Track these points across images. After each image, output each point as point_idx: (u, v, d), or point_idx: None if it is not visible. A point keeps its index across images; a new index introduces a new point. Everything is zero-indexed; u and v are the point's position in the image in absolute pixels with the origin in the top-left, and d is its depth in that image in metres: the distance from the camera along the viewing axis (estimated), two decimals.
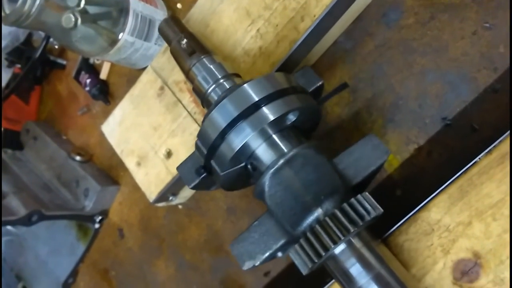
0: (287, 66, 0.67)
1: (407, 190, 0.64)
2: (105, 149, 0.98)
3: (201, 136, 0.51)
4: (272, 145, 0.51)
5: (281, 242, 0.52)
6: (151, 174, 0.76)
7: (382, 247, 0.55)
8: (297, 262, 0.49)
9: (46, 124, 1.09)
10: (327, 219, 0.47)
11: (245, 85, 0.49)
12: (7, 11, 0.68)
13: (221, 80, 0.58)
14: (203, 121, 0.52)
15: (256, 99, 0.48)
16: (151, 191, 0.76)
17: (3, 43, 1.07)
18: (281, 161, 0.49)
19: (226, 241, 0.81)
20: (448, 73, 0.62)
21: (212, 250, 0.82)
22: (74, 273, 1.02)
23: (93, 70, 0.98)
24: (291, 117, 0.52)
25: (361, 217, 0.47)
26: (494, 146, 0.51)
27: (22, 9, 0.65)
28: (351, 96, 0.68)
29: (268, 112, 0.48)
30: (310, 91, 0.57)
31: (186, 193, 0.82)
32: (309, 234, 0.47)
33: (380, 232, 0.57)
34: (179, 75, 0.74)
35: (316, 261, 0.47)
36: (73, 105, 1.05)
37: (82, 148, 1.01)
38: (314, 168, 0.50)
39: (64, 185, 0.95)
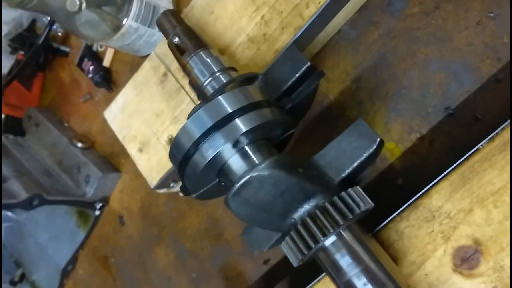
0: None
1: (409, 179, 0.64)
2: (107, 137, 0.98)
3: (175, 145, 0.51)
4: (244, 156, 0.51)
5: (279, 234, 0.53)
6: (152, 160, 0.76)
7: (372, 241, 0.55)
8: (288, 254, 0.50)
9: (48, 111, 1.09)
10: (317, 212, 0.48)
11: (219, 97, 0.49)
12: None
13: (218, 74, 0.58)
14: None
15: (230, 111, 0.48)
16: (153, 177, 0.76)
17: (7, 29, 1.07)
18: (237, 186, 0.48)
19: (226, 229, 0.81)
20: (451, 63, 0.62)
21: (212, 238, 0.82)
22: (73, 260, 1.02)
23: (96, 57, 0.98)
24: (262, 130, 0.51)
25: (351, 210, 0.48)
26: (496, 133, 0.51)
27: None
28: (354, 85, 0.68)
29: (241, 124, 0.48)
30: (297, 77, 0.55)
31: None
32: (299, 227, 0.48)
33: (374, 224, 0.57)
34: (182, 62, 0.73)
35: (306, 253, 0.47)
36: (76, 93, 1.05)
37: (84, 135, 1.02)
38: (273, 185, 0.49)
39: (65, 172, 0.95)
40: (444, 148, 0.62)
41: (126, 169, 0.95)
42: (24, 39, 1.08)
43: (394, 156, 0.65)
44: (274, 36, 0.65)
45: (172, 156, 0.52)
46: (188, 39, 0.62)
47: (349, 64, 0.69)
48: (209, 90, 0.58)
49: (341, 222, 0.47)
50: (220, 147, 0.48)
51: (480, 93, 0.60)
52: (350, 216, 0.47)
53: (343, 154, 0.51)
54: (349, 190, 0.50)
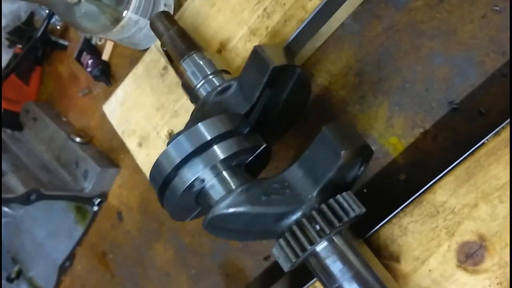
0: (293, 46, 0.66)
1: (412, 174, 0.63)
2: (106, 131, 0.97)
3: (155, 169, 0.52)
4: (222, 181, 0.51)
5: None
6: (152, 155, 0.76)
7: (363, 247, 0.56)
8: (279, 260, 0.50)
9: (46, 105, 1.08)
10: (304, 220, 0.48)
11: (199, 124, 0.50)
12: None
13: (210, 76, 0.58)
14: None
15: (209, 138, 0.49)
16: None
17: (4, 22, 1.06)
18: (207, 220, 0.49)
19: None
20: (456, 57, 0.61)
21: None
22: (71, 256, 1.01)
23: (95, 51, 0.97)
24: (238, 156, 0.51)
25: (339, 218, 0.48)
26: (502, 128, 0.50)
27: None
28: (357, 79, 0.68)
29: (219, 151, 0.49)
30: (264, 83, 0.52)
31: None
32: (287, 234, 0.48)
33: (375, 221, 0.57)
34: None
35: (293, 260, 0.48)
36: (74, 87, 1.04)
37: (82, 130, 1.01)
38: (239, 218, 0.49)
39: (63, 166, 0.94)
40: (447, 143, 0.61)
41: (125, 164, 0.94)
42: (22, 32, 1.07)
43: (397, 151, 0.64)
44: (277, 28, 0.64)
45: (152, 178, 0.53)
46: (181, 41, 0.62)
47: (352, 58, 0.68)
48: (202, 92, 0.58)
49: (327, 231, 0.47)
50: (199, 173, 0.49)
51: (485, 88, 0.59)
52: (337, 224, 0.48)
53: (315, 167, 0.50)
54: (338, 196, 0.50)
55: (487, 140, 0.51)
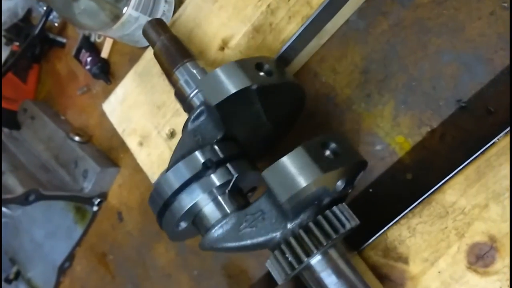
0: (298, 44, 0.65)
1: (418, 174, 0.62)
2: (105, 130, 0.96)
3: (155, 193, 0.53)
4: (217, 205, 0.52)
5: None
6: (153, 154, 0.74)
7: (357, 259, 0.55)
8: (273, 272, 0.51)
9: (44, 103, 1.06)
10: (301, 232, 0.48)
11: (196, 152, 0.51)
12: None
13: None
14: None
15: (176, 187, 0.50)
16: (153, 171, 0.74)
17: (1, 19, 1.04)
18: (200, 245, 0.53)
19: None
20: (464, 54, 0.60)
21: None
22: (70, 257, 0.99)
23: (94, 49, 0.96)
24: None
25: (335, 230, 0.48)
26: None
27: None
28: (362, 77, 0.66)
29: (215, 178, 0.51)
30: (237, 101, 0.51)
31: None
32: (283, 246, 0.48)
33: (381, 226, 0.56)
34: None
35: (289, 273, 0.48)
36: (73, 85, 1.03)
37: (81, 129, 0.99)
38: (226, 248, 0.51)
39: (62, 166, 0.92)
40: (455, 142, 0.60)
41: (125, 163, 0.93)
42: (19, 29, 1.05)
43: (403, 151, 0.63)
44: (281, 25, 0.63)
45: (152, 202, 0.55)
46: (174, 49, 0.61)
47: (357, 56, 0.67)
48: (195, 102, 0.58)
49: (324, 243, 0.47)
50: (196, 198, 0.50)
51: (493, 86, 0.58)
52: (334, 236, 0.47)
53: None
54: (334, 208, 0.49)
55: (498, 139, 0.50)
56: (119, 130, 0.79)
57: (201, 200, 0.51)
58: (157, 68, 0.74)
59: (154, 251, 0.87)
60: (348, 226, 0.48)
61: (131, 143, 0.77)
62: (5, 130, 1.01)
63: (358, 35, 0.67)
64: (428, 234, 0.52)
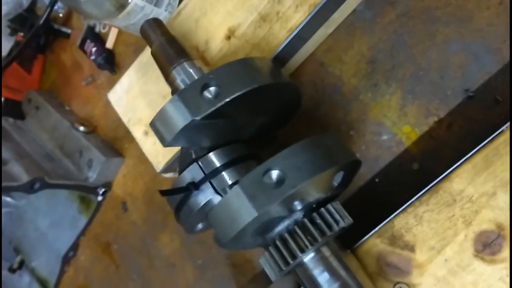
0: (305, 33, 0.65)
1: (425, 164, 0.62)
2: (110, 121, 0.96)
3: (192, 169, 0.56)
4: None
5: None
6: (158, 144, 0.73)
7: (350, 257, 0.55)
8: (266, 269, 0.51)
9: (48, 94, 1.06)
10: (296, 228, 0.49)
11: (211, 153, 0.55)
12: None
13: None
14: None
15: (218, 165, 0.55)
16: (159, 161, 0.74)
17: (6, 9, 1.04)
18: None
19: None
20: (472, 44, 0.60)
21: None
22: (75, 247, 1.00)
23: (99, 39, 0.95)
24: None
25: (329, 227, 0.49)
26: None
27: None
28: (369, 67, 0.66)
29: (227, 177, 0.54)
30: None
31: None
32: (278, 242, 0.49)
33: (385, 215, 0.56)
34: (190, 42, 0.71)
35: (283, 268, 0.48)
36: (77, 75, 1.03)
37: (85, 119, 0.99)
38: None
39: (66, 156, 0.92)
40: (462, 132, 0.60)
41: (129, 154, 0.93)
42: (24, 19, 1.05)
43: (410, 140, 0.63)
44: (288, 14, 0.63)
45: (170, 199, 0.58)
46: (171, 49, 0.61)
47: (364, 46, 0.67)
48: None
49: (319, 239, 0.47)
50: (210, 196, 0.54)
51: (501, 75, 0.58)
52: (329, 233, 0.48)
53: None
54: (329, 205, 0.50)
55: (506, 127, 0.49)
56: (125, 119, 0.79)
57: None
58: None
59: (159, 240, 0.87)
60: (342, 224, 0.49)
61: (137, 132, 0.77)
62: (9, 119, 1.01)
63: (365, 25, 0.67)
64: (435, 222, 0.52)
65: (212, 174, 0.55)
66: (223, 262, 0.79)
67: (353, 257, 0.56)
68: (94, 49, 0.93)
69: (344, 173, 0.51)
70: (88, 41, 0.95)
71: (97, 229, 0.98)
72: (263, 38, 0.65)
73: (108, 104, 0.97)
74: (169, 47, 0.62)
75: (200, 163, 0.55)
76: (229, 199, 0.46)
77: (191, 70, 0.59)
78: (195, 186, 0.55)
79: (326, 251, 0.50)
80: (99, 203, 0.95)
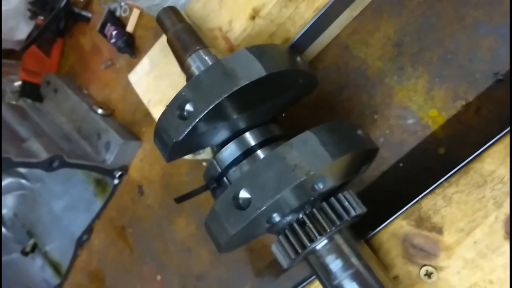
0: (331, 13, 0.64)
1: (452, 148, 0.61)
2: (128, 104, 0.96)
3: (209, 168, 0.58)
4: None
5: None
6: None
7: (363, 247, 0.55)
8: (278, 257, 0.52)
9: (67, 77, 1.06)
10: (305, 218, 0.49)
11: (247, 132, 0.56)
12: None
13: None
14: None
15: (252, 144, 0.55)
16: None
17: None
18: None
19: None
20: (502, 27, 0.59)
21: None
22: (89, 230, 1.00)
23: (120, 23, 0.95)
24: None
25: (339, 216, 0.49)
26: None
27: None
28: (396, 50, 0.65)
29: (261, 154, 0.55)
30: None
31: None
32: (287, 231, 0.49)
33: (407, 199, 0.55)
34: (213, 22, 0.71)
35: (293, 257, 0.49)
36: (96, 59, 1.03)
37: (103, 103, 0.99)
38: None
39: (84, 138, 0.92)
40: (491, 116, 0.59)
41: (147, 138, 0.93)
42: (44, 3, 1.05)
43: (436, 124, 0.62)
44: None
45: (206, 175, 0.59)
46: (187, 37, 0.62)
47: (391, 28, 0.66)
48: None
49: (328, 229, 0.48)
50: None
51: None
52: (338, 222, 0.48)
53: None
54: (340, 195, 0.50)
55: None
56: (145, 100, 0.79)
57: None
58: None
59: (174, 224, 0.87)
60: (353, 213, 0.49)
61: (157, 113, 0.77)
62: (27, 100, 1.01)
63: (392, 8, 0.66)
64: (465, 204, 0.51)
65: (226, 169, 0.56)
66: (240, 247, 0.78)
67: (367, 246, 0.55)
68: (114, 32, 0.93)
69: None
70: (109, 24, 0.95)
71: (112, 213, 0.97)
72: (289, 17, 0.64)
73: (126, 88, 0.97)
74: (185, 35, 0.63)
75: (214, 160, 0.57)
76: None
77: (206, 57, 0.60)
78: (216, 181, 0.56)
79: (339, 239, 0.50)
80: (115, 186, 0.94)
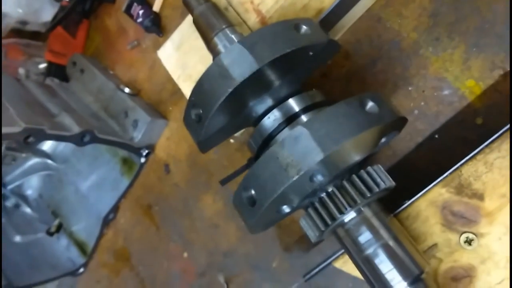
0: None
1: (489, 118, 0.60)
2: (154, 84, 0.96)
3: (252, 140, 0.59)
4: None
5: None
6: None
7: (393, 220, 0.54)
8: (306, 230, 0.53)
9: (93, 58, 1.07)
10: (335, 190, 0.50)
11: (290, 99, 0.57)
12: None
13: None
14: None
15: (297, 109, 0.56)
16: None
17: None
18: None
19: None
20: None
21: None
22: (115, 209, 1.00)
23: (146, 3, 0.96)
24: None
25: (369, 189, 0.49)
26: None
27: None
28: (431, 20, 0.65)
29: (304, 118, 0.56)
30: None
31: None
32: (317, 204, 0.51)
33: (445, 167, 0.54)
34: None
35: (323, 229, 0.50)
36: (122, 40, 1.03)
37: (129, 83, 1.00)
38: None
39: (111, 117, 0.93)
40: None
41: (173, 117, 0.93)
42: None
43: (473, 95, 0.61)
44: None
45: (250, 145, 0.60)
46: (213, 16, 0.63)
47: None
48: None
49: (358, 201, 0.48)
50: None
51: None
52: (368, 194, 0.49)
53: None
54: (369, 168, 0.51)
55: None
56: (174, 76, 0.79)
57: None
58: None
59: (201, 202, 0.87)
60: (383, 185, 0.50)
61: (186, 89, 0.77)
62: (55, 80, 1.02)
63: None
64: (507, 169, 0.50)
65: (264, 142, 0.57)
66: None
67: (396, 220, 0.55)
68: (141, 12, 0.93)
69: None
70: (135, 4, 0.95)
71: (139, 191, 0.98)
72: None
73: (152, 67, 0.97)
74: (210, 14, 0.63)
75: (251, 140, 0.59)
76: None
77: (232, 36, 0.60)
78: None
79: (368, 212, 0.51)
80: (142, 165, 0.95)
